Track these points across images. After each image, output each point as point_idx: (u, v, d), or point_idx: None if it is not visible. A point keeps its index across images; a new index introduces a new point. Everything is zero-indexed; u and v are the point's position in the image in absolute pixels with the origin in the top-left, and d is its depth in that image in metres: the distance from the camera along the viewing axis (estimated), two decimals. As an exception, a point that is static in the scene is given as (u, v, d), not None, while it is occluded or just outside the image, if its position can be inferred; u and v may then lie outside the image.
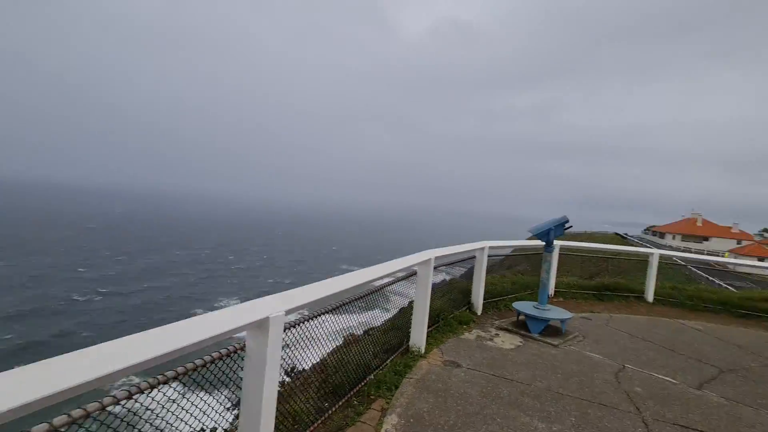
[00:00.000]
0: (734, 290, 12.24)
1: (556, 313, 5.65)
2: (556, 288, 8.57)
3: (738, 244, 65.41)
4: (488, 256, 7.37)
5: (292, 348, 2.41)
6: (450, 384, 3.84)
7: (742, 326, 7.32)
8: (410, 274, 4.62)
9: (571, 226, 5.66)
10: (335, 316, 3.32)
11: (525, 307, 5.81)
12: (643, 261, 11.60)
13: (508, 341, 5.25)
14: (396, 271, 3.91)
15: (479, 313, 6.44)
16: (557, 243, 8.44)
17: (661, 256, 10.44)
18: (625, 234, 79.87)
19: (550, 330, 5.70)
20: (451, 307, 5.97)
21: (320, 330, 3.02)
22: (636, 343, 5.57)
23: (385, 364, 4.05)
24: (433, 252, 4.49)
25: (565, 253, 10.18)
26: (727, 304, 8.38)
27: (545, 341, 5.32)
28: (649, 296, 8.70)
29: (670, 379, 4.38)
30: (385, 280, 3.96)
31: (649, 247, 11.36)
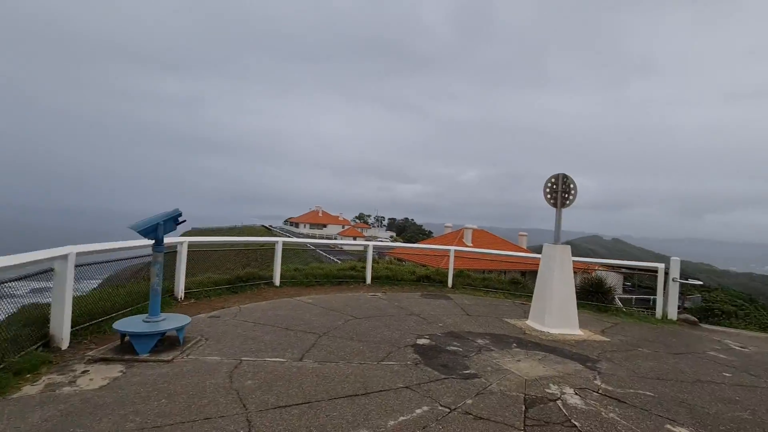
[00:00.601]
0: (339, 262, 15.92)
1: (171, 321, 4.86)
2: (187, 290, 7.79)
3: (343, 228, 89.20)
4: (90, 263, 5.59)
5: None
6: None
7: (338, 292, 9.34)
8: None
9: (184, 221, 5.01)
10: None
11: (130, 324, 4.65)
12: (286, 249, 12.88)
13: (100, 377, 3.95)
14: None
15: (64, 346, 4.64)
16: (185, 240, 7.67)
17: (289, 243, 11.88)
18: (270, 225, 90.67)
19: (167, 343, 4.86)
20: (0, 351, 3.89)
21: None
22: (258, 331, 5.71)
23: None
24: None
25: (205, 249, 9.56)
26: (330, 276, 10.55)
27: (157, 359, 4.42)
28: (277, 280, 9.58)
29: (280, 359, 4.63)
30: None
31: (288, 236, 12.82)
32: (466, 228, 33.36)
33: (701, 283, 10.80)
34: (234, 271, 9.46)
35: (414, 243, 41.95)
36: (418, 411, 3.56)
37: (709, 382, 4.76)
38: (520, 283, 11.15)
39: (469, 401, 3.81)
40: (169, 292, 7.52)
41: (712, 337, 7.23)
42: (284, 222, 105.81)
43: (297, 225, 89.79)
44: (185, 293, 7.67)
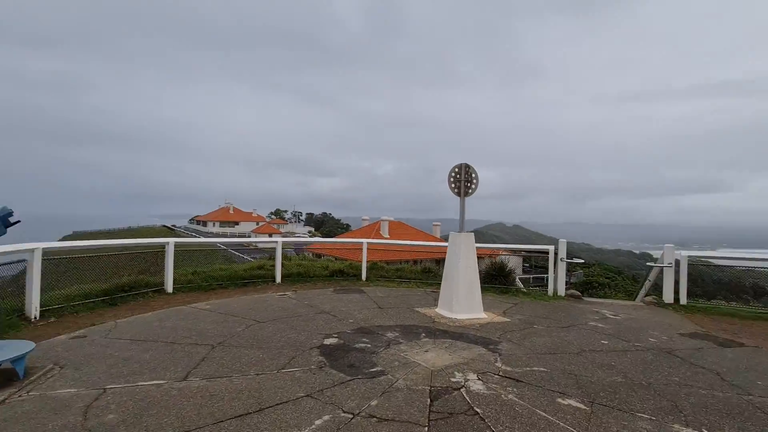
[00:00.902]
0: (253, 261, 14.75)
1: (3, 351, 3.83)
2: (47, 306, 6.43)
3: (258, 225, 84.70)
4: None
5: None
6: None
7: (243, 294, 8.56)
8: None
9: (18, 221, 3.97)
10: None
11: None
12: (195, 250, 11.44)
13: None
14: None
15: None
16: (38, 246, 6.28)
17: (185, 244, 10.62)
18: (174, 225, 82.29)
19: (2, 378, 3.83)
20: None
21: None
22: (135, 349, 4.85)
23: None
24: None
25: (77, 256, 8.00)
26: (235, 278, 9.66)
27: (-20, 403, 3.43)
28: (169, 287, 8.46)
29: (158, 381, 3.94)
30: None
31: (194, 235, 11.42)
32: (383, 220, 33.84)
33: (583, 261, 12.22)
34: (114, 279, 8.10)
35: (332, 237, 41.42)
36: (318, 422, 3.24)
37: (591, 351, 5.24)
38: (431, 272, 11.46)
39: (374, 402, 3.60)
40: (18, 311, 6.12)
41: (592, 308, 8.13)
42: (190, 221, 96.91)
43: (205, 224, 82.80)
44: (42, 311, 6.31)
